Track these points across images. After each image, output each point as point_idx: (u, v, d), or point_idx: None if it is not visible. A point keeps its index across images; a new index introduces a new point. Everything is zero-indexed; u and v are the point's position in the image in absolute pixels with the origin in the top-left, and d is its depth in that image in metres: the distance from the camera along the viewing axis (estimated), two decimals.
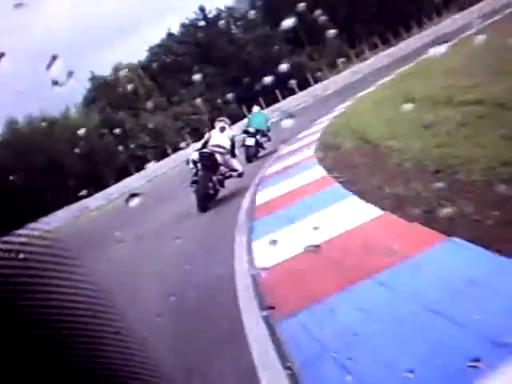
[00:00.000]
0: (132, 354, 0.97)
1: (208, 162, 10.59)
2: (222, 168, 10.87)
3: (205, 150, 10.76)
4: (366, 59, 43.33)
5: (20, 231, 0.82)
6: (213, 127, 11.69)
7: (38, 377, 0.83)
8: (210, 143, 10.93)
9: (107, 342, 0.94)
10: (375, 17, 51.64)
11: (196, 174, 10.63)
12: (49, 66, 3.23)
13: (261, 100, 34.43)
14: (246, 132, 16.65)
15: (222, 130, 11.27)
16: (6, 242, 0.79)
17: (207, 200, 10.39)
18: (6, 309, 0.79)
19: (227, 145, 11.07)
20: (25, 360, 0.81)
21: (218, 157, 10.73)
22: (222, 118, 12.09)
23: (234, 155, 11.31)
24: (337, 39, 50.69)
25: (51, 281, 0.86)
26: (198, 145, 11.27)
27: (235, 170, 11.16)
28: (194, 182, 10.60)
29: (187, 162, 11.04)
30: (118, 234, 11.41)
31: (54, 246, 0.85)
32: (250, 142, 16.42)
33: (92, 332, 0.92)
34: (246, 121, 17.93)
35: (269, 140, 17.01)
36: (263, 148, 16.90)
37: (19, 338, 0.80)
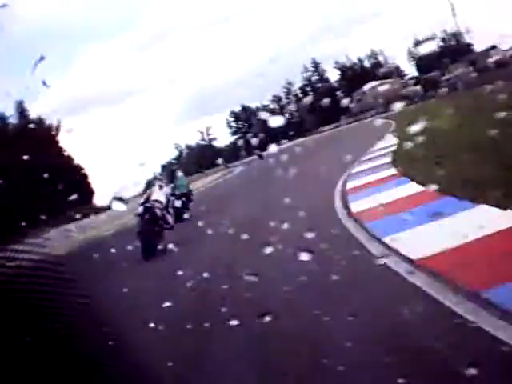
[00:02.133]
0: (125, 361, 1.08)
1: (150, 215, 12.60)
2: (160, 221, 12.72)
3: (147, 205, 12.79)
4: None
5: (19, 244, 0.93)
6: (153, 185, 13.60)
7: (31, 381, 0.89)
8: (152, 198, 12.99)
9: (101, 349, 1.02)
10: None
11: (141, 226, 12.52)
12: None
13: None
14: (173, 195, 17.68)
15: (161, 188, 13.47)
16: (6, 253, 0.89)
17: (150, 249, 12.15)
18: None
19: (164, 201, 13.19)
20: (20, 365, 0.87)
21: (157, 211, 12.72)
22: (160, 177, 14.63)
23: (168, 212, 13.24)
24: None
25: (45, 288, 0.94)
26: (141, 199, 13.21)
27: (168, 224, 13.03)
28: (138, 233, 12.48)
29: (135, 215, 13.00)
30: None
31: (51, 260, 0.98)
32: (178, 203, 17.79)
33: (86, 339, 1.00)
34: (171, 185, 19.07)
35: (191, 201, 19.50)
36: (188, 209, 18.84)
37: (13, 345, 0.86)
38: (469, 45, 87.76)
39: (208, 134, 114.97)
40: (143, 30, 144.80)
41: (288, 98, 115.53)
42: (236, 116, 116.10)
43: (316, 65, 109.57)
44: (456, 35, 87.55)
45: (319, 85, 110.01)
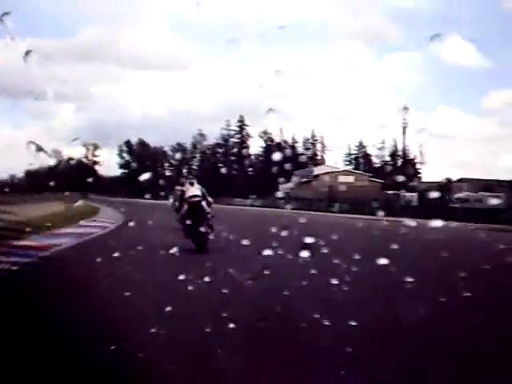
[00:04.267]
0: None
1: (197, 211, 13.07)
2: (207, 215, 13.28)
3: (192, 200, 13.24)
4: None
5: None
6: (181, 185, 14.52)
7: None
8: (188, 195, 13.41)
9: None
10: None
11: (189, 225, 12.83)
12: None
13: None
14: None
15: (192, 184, 13.83)
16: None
17: (206, 243, 12.82)
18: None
19: (200, 194, 13.55)
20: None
21: (203, 204, 13.31)
22: (190, 177, 15.58)
23: (208, 202, 13.64)
24: None
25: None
26: (173, 200, 15.50)
27: (209, 213, 13.51)
28: (187, 231, 13.00)
29: (179, 215, 13.75)
30: None
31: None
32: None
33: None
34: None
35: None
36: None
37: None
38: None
39: (94, 155, 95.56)
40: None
41: (193, 152, 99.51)
42: (130, 148, 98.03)
43: (242, 125, 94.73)
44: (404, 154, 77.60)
45: (235, 150, 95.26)
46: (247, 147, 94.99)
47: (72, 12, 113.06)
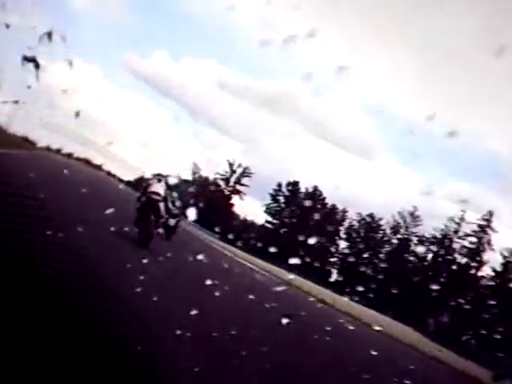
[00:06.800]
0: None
1: (151, 208, 13.00)
2: (157, 212, 13.19)
3: (151, 197, 13.18)
4: None
5: None
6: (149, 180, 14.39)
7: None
8: (150, 190, 13.41)
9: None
10: None
11: (140, 216, 12.97)
12: None
13: None
14: (167, 210, 16.32)
15: (159, 181, 13.80)
16: None
17: (149, 240, 12.54)
18: None
19: (162, 193, 13.59)
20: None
21: (160, 205, 13.26)
22: (158, 174, 14.60)
23: (167, 205, 14.04)
24: None
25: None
26: (139, 193, 14.22)
27: (163, 216, 13.80)
28: (138, 222, 12.92)
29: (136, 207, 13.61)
30: None
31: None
32: (172, 222, 17.24)
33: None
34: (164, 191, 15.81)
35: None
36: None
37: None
38: None
39: (238, 182, 62.82)
40: None
41: (386, 235, 62.69)
42: (294, 192, 62.74)
43: (487, 224, 56.38)
44: None
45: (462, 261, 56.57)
46: (482, 262, 55.92)
47: (278, 57, 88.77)
